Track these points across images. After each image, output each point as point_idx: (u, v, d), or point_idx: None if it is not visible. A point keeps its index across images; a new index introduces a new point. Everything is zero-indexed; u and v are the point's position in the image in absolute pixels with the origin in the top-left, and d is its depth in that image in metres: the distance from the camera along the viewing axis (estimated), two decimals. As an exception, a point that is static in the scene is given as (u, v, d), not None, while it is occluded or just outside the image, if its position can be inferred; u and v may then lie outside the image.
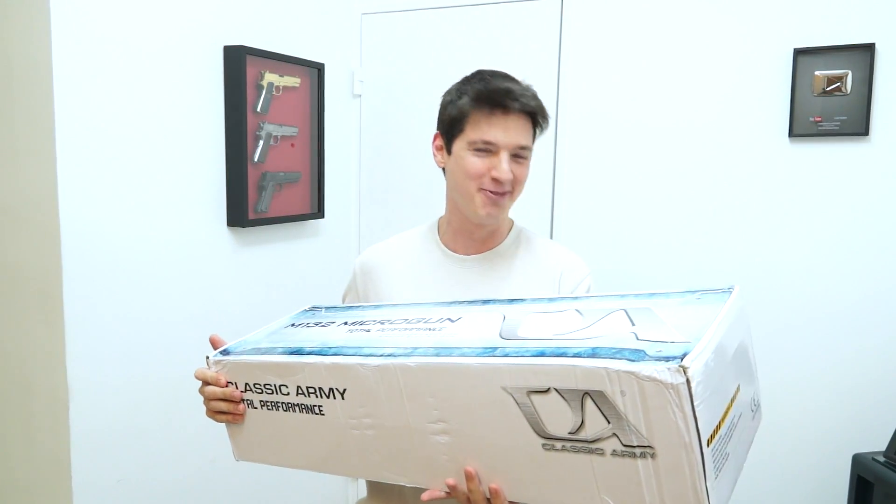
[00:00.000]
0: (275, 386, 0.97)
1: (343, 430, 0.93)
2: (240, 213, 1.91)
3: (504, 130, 1.09)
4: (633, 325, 0.80)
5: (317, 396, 0.94)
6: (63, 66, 1.48)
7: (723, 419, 0.75)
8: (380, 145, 2.44)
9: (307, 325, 1.09)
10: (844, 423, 1.93)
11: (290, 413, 0.97)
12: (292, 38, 2.12)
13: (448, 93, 1.17)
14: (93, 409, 1.58)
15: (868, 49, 1.83)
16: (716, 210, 2.03)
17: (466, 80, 1.15)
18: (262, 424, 1.01)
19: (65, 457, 1.54)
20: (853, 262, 1.90)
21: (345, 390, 0.91)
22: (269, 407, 0.99)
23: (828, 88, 1.88)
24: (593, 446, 0.75)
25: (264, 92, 1.97)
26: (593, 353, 0.74)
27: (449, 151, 1.15)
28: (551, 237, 2.19)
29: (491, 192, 1.10)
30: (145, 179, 1.68)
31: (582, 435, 0.75)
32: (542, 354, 0.77)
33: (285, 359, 0.96)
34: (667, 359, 0.69)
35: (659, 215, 2.09)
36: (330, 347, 0.95)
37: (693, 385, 0.68)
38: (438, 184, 2.37)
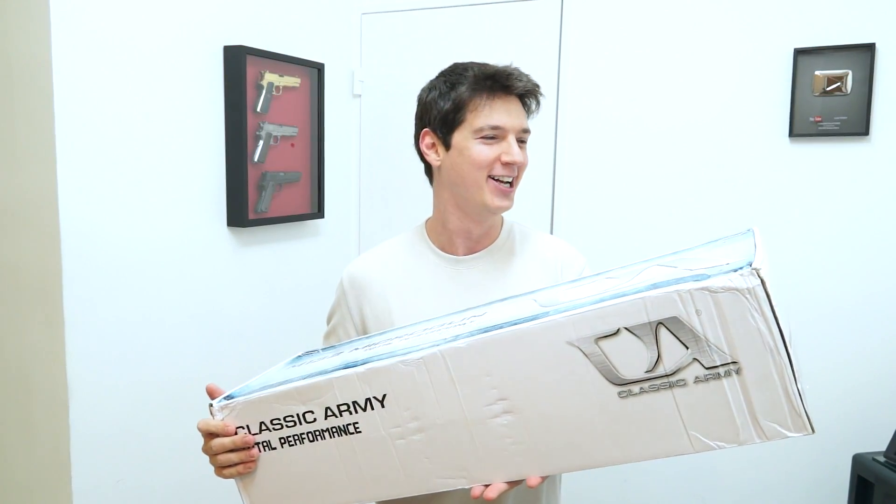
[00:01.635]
0: (298, 415, 0.89)
1: (385, 443, 0.86)
2: (240, 213, 1.91)
3: (508, 113, 1.08)
4: (676, 267, 0.76)
5: (351, 413, 0.86)
6: (63, 66, 1.48)
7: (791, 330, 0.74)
8: (380, 145, 2.44)
9: (313, 362, 1.00)
10: (844, 423, 1.93)
11: (319, 442, 0.89)
12: (292, 38, 2.12)
13: (430, 89, 1.14)
14: (93, 409, 1.58)
15: (868, 49, 1.83)
16: (716, 210, 2.03)
17: (450, 73, 1.13)
18: (284, 466, 0.92)
19: (65, 457, 1.54)
20: (853, 262, 1.90)
21: (384, 396, 0.84)
22: (293, 442, 0.90)
23: (828, 88, 1.88)
24: (674, 378, 0.72)
25: (264, 92, 1.97)
26: (655, 286, 0.72)
27: (447, 146, 1.11)
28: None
29: (501, 180, 1.08)
30: (145, 179, 1.68)
31: (660, 370, 0.72)
32: (602, 301, 0.74)
33: (309, 381, 0.88)
34: (734, 269, 0.68)
35: (659, 215, 2.09)
36: (356, 362, 0.87)
37: (768, 286, 0.67)
38: (438, 184, 2.37)
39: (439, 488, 0.87)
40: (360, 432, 0.87)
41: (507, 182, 1.09)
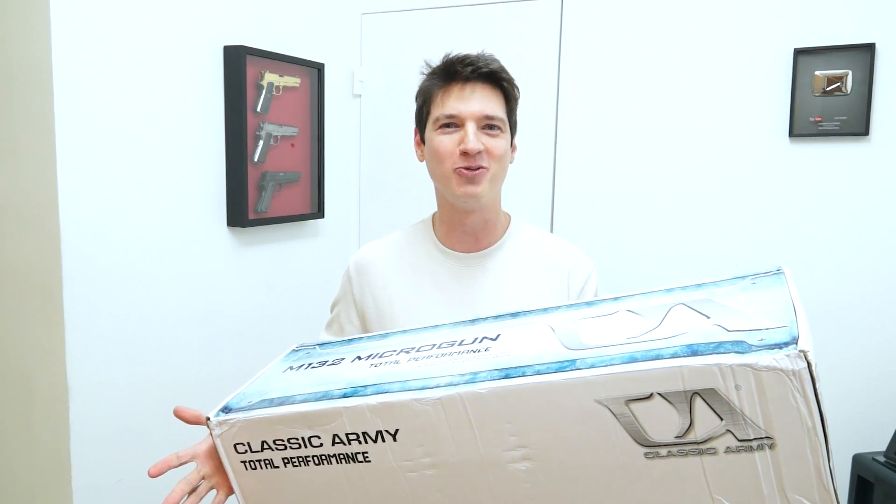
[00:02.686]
0: (303, 439, 0.86)
1: (396, 474, 0.83)
2: (240, 213, 1.91)
3: (462, 100, 1.04)
4: (709, 317, 0.75)
5: (360, 443, 0.83)
6: (63, 66, 1.48)
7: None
8: (380, 145, 2.44)
9: (311, 367, 0.98)
10: (844, 423, 1.93)
11: (325, 466, 0.85)
12: (292, 38, 2.12)
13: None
14: (93, 409, 1.58)
15: (868, 49, 1.83)
16: (716, 210, 2.03)
17: (430, 68, 1.11)
18: (286, 485, 0.89)
19: (65, 457, 1.54)
20: (853, 262, 1.90)
21: (397, 431, 0.81)
22: (297, 463, 0.87)
23: (828, 88, 1.88)
24: (704, 446, 0.71)
25: (264, 92, 1.97)
26: (693, 352, 0.70)
27: (423, 141, 1.11)
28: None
29: (464, 168, 1.03)
30: (145, 179, 1.68)
31: (691, 437, 0.71)
32: (634, 360, 0.72)
33: (315, 406, 0.84)
34: (779, 346, 0.67)
35: (659, 215, 2.09)
36: (365, 387, 0.85)
37: (813, 368, 0.66)
38: (438, 184, 2.37)
39: None
40: (369, 462, 0.84)
41: (471, 169, 1.04)
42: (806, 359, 0.66)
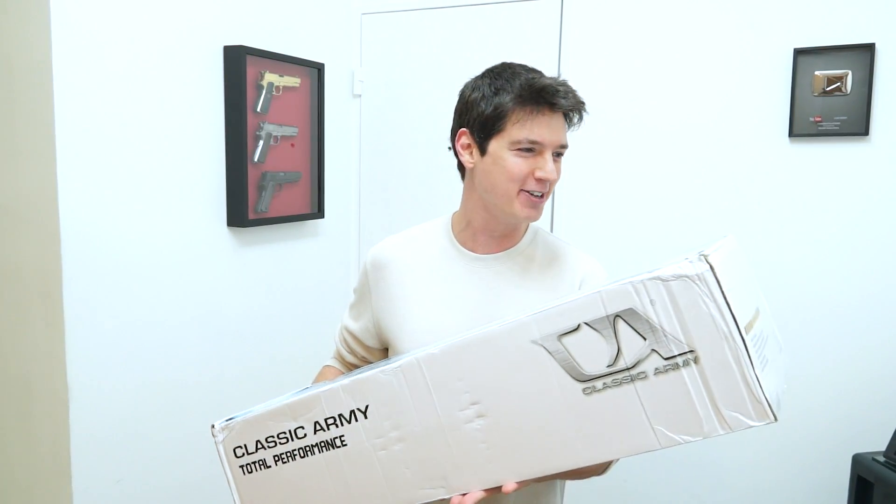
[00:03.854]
0: (290, 432, 0.92)
1: (369, 455, 0.89)
2: (240, 213, 1.91)
3: (549, 129, 1.06)
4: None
5: (337, 426, 0.90)
6: (63, 66, 1.48)
7: (752, 321, 0.74)
8: (380, 145, 2.44)
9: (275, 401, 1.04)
10: (844, 423, 1.93)
11: (310, 457, 0.92)
12: (292, 38, 2.12)
13: (474, 88, 1.11)
14: (93, 409, 1.58)
15: (868, 49, 1.83)
16: (716, 210, 2.03)
17: (497, 75, 1.09)
18: (278, 484, 0.95)
19: (65, 457, 1.54)
20: (853, 262, 1.90)
21: (367, 407, 0.88)
22: (285, 459, 0.93)
23: (828, 88, 1.88)
24: (634, 371, 0.74)
25: (264, 92, 1.97)
26: (613, 282, 0.76)
27: (483, 151, 1.09)
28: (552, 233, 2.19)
29: (532, 193, 1.07)
30: (145, 180, 1.68)
31: (620, 364, 0.74)
32: (565, 300, 0.77)
33: (299, 396, 0.92)
34: (686, 259, 0.70)
35: (659, 215, 2.09)
36: (345, 378, 0.92)
37: (717, 271, 0.68)
38: (438, 183, 2.38)
39: (421, 499, 0.88)
40: (346, 445, 0.90)
41: (539, 195, 1.08)
42: (707, 262, 0.68)
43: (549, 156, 1.06)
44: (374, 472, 0.89)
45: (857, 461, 1.75)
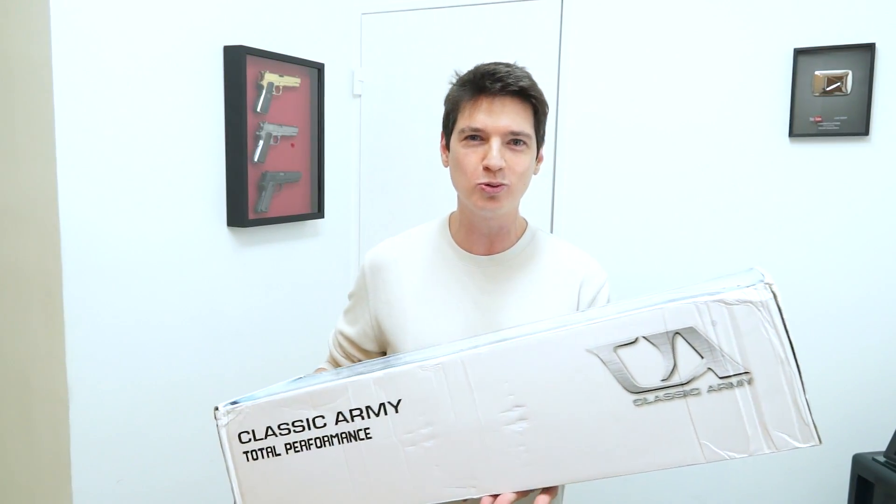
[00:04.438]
0: (308, 420, 0.89)
1: (395, 450, 0.86)
2: (240, 213, 1.91)
3: (490, 114, 1.02)
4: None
5: (363, 418, 0.86)
6: (63, 66, 1.48)
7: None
8: (380, 145, 2.44)
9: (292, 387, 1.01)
10: (844, 423, 1.93)
11: (327, 448, 0.88)
12: (292, 38, 2.12)
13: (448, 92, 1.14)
14: (93, 409, 1.58)
15: (868, 49, 1.83)
16: (715, 210, 2.03)
17: (461, 74, 1.11)
18: (286, 473, 0.91)
19: (65, 457, 1.54)
20: (853, 262, 1.90)
21: (399, 402, 0.85)
22: (299, 448, 0.89)
23: (828, 88, 1.88)
24: (688, 387, 0.76)
25: (264, 92, 1.97)
26: (672, 300, 0.76)
27: (448, 148, 1.11)
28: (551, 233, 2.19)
29: (486, 185, 1.03)
30: (145, 179, 1.68)
31: (675, 379, 0.76)
32: (621, 312, 0.77)
33: (323, 385, 0.88)
34: (748, 285, 0.73)
35: (659, 215, 2.09)
36: (372, 368, 0.87)
37: (779, 299, 0.73)
38: (438, 183, 2.38)
39: (447, 498, 0.86)
40: (370, 438, 0.87)
41: (493, 186, 1.04)
42: (772, 290, 0.73)
43: (494, 143, 1.02)
44: (399, 468, 0.87)
45: (857, 461, 1.75)
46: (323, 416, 0.88)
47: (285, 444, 0.90)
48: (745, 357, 0.74)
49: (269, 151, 2.02)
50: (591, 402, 0.79)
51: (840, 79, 1.86)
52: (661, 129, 2.07)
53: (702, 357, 0.75)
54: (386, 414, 0.86)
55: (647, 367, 0.76)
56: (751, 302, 0.73)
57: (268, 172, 2.01)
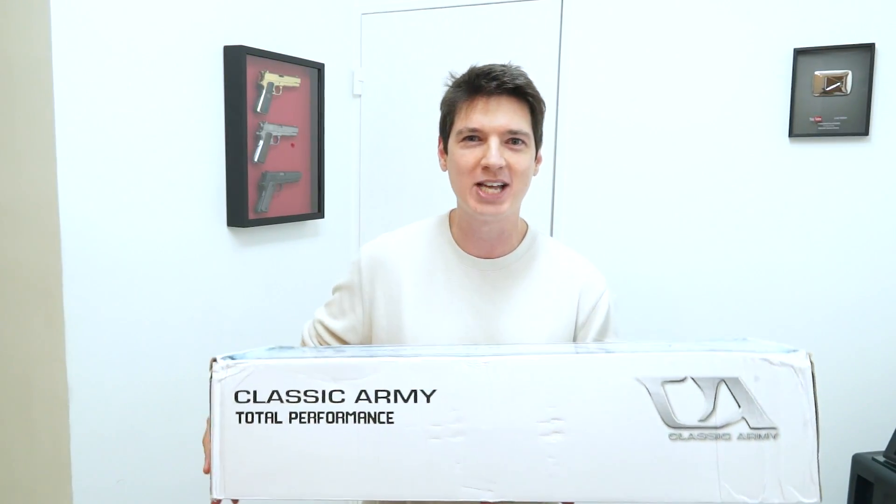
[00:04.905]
0: (324, 392, 0.83)
1: (417, 440, 0.83)
2: (240, 213, 1.91)
3: (486, 114, 1.02)
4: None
5: (388, 401, 0.83)
6: (63, 65, 1.47)
7: None
8: (380, 145, 2.44)
9: (311, 355, 0.95)
10: (844, 423, 1.93)
11: (339, 425, 0.83)
12: (292, 38, 2.12)
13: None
14: (93, 409, 1.58)
15: (868, 49, 1.83)
16: (716, 210, 2.03)
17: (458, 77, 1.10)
18: (283, 443, 0.84)
19: (65, 457, 1.54)
20: (853, 262, 1.90)
21: (433, 392, 0.83)
22: (305, 419, 0.83)
23: (828, 88, 1.88)
24: (721, 431, 0.81)
25: (264, 92, 1.97)
26: (725, 350, 0.83)
27: (446, 151, 1.10)
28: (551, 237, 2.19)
29: (485, 185, 1.02)
30: (145, 179, 1.68)
31: (712, 421, 0.81)
32: (673, 350, 0.83)
33: (348, 359, 0.85)
34: (792, 350, 0.83)
35: (659, 215, 2.09)
36: (398, 353, 0.86)
37: (814, 369, 0.81)
38: (438, 183, 2.37)
39: (461, 498, 0.84)
40: (391, 423, 0.83)
41: (493, 187, 1.03)
42: (810, 360, 0.81)
43: (492, 142, 1.01)
44: (417, 459, 0.83)
45: (857, 461, 1.75)
46: (342, 391, 0.83)
47: (290, 413, 0.84)
48: (777, 413, 0.81)
49: (269, 151, 2.02)
50: (630, 428, 0.82)
51: (840, 79, 1.86)
52: (661, 130, 2.07)
53: (739, 406, 0.81)
54: (416, 402, 0.83)
55: (689, 405, 0.82)
56: (792, 366, 0.81)
57: (268, 172, 2.01)
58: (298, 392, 0.84)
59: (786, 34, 1.92)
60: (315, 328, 1.23)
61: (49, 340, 1.53)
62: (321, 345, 1.21)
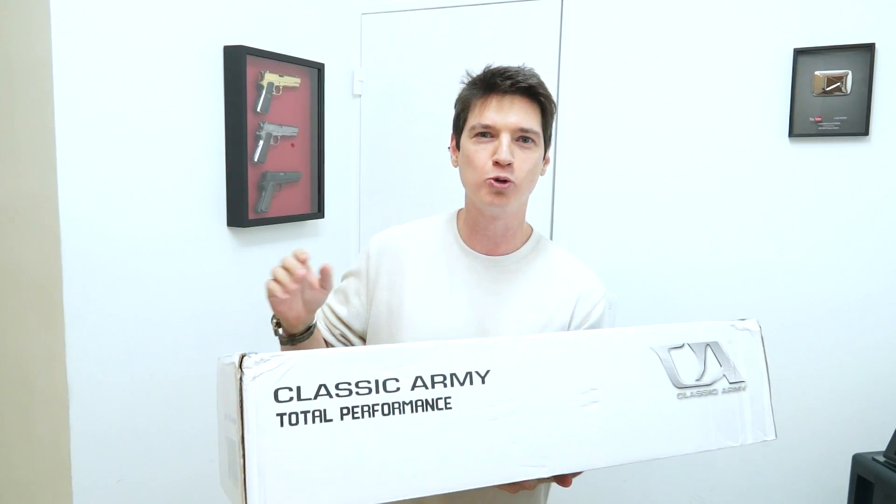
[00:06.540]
0: (377, 382, 0.76)
1: (478, 424, 0.79)
2: (240, 213, 1.91)
3: (499, 111, 1.07)
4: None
5: (445, 386, 0.79)
6: (63, 65, 1.48)
7: None
8: (380, 145, 2.44)
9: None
10: (844, 423, 1.93)
11: (397, 416, 0.76)
12: (292, 38, 2.12)
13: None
14: (93, 409, 1.58)
15: (868, 49, 1.83)
16: (715, 210, 2.03)
17: (473, 76, 1.15)
18: (333, 443, 0.74)
19: (65, 457, 1.54)
20: (853, 262, 1.90)
21: (487, 372, 0.81)
22: (358, 414, 0.75)
23: (828, 88, 1.88)
24: (710, 388, 0.97)
25: (264, 92, 1.97)
26: (705, 321, 1.02)
27: (459, 147, 1.15)
28: (551, 238, 2.19)
29: (495, 180, 1.06)
30: (145, 179, 1.68)
31: (704, 380, 0.97)
32: (678, 326, 0.99)
33: (401, 344, 0.91)
34: (746, 318, 1.03)
35: (658, 216, 2.09)
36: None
37: (762, 331, 1.03)
38: (438, 183, 2.38)
39: (520, 477, 0.83)
40: (450, 408, 0.79)
41: (500, 181, 1.07)
42: (758, 325, 1.03)
43: (504, 138, 1.07)
44: (480, 444, 0.79)
45: (857, 461, 1.75)
46: (397, 380, 0.76)
47: (341, 409, 0.74)
48: (743, 369, 0.99)
49: (269, 151, 2.02)
50: (648, 390, 0.94)
51: (840, 79, 1.86)
52: (661, 130, 2.07)
53: (720, 365, 0.98)
54: (472, 384, 0.80)
55: (688, 368, 0.96)
56: (748, 330, 1.02)
57: (268, 172, 2.01)
58: (350, 384, 0.75)
59: (786, 34, 1.92)
60: (324, 312, 1.27)
61: (49, 340, 1.53)
62: (331, 331, 1.25)
